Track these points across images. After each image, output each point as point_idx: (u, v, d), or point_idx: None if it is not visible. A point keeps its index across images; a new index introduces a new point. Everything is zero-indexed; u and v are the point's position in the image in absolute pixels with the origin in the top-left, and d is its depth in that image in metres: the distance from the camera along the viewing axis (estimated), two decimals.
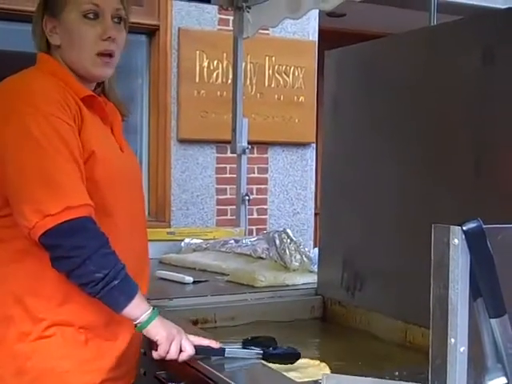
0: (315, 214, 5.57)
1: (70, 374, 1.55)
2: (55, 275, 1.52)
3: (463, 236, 1.03)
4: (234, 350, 1.64)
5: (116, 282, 1.48)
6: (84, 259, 1.45)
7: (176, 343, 1.56)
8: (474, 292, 1.05)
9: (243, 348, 1.65)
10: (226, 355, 1.62)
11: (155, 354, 1.57)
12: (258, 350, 1.63)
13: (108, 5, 1.64)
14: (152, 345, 1.60)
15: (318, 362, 1.72)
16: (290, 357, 1.66)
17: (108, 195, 1.59)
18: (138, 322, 1.53)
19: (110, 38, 1.63)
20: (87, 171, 1.54)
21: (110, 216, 1.60)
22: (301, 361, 1.70)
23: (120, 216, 1.62)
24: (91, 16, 1.62)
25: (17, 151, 1.49)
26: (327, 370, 1.68)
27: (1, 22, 4.67)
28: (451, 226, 1.04)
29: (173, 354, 1.56)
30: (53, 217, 1.43)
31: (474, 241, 1.03)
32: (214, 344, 1.63)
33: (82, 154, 1.53)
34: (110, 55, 1.65)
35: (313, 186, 5.63)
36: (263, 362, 1.63)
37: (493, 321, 1.06)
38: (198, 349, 1.59)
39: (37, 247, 1.50)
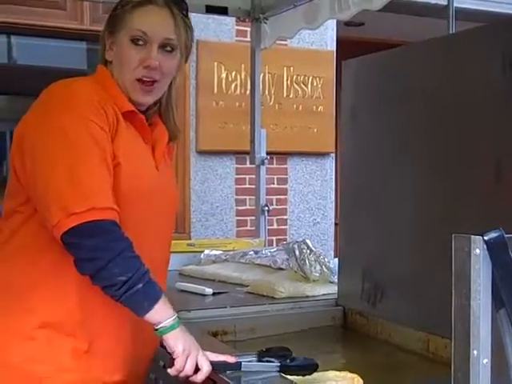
0: (335, 224, 5.55)
1: (49, 380, 1.56)
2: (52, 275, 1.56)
3: (484, 246, 1.01)
4: (250, 364, 1.62)
5: (140, 286, 1.47)
6: (107, 261, 1.45)
7: (192, 358, 1.54)
8: (497, 302, 1.04)
9: (259, 360, 1.63)
10: (242, 369, 1.60)
11: (172, 370, 1.55)
12: (275, 363, 1.62)
13: (157, 34, 1.66)
14: (169, 361, 1.59)
15: (355, 375, 1.67)
16: (308, 368, 1.64)
17: (132, 210, 1.59)
18: (160, 326, 1.51)
19: (149, 66, 1.65)
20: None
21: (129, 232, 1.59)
22: (336, 373, 1.67)
23: (139, 236, 1.59)
24: (138, 42, 1.65)
25: (48, 148, 1.50)
26: None
27: (31, 38, 4.74)
28: (472, 236, 1.02)
29: (188, 371, 1.54)
30: (77, 215, 1.43)
31: (496, 250, 1.01)
32: (230, 359, 1.61)
33: (112, 160, 1.55)
34: (153, 82, 1.67)
35: (332, 196, 5.61)
36: (282, 374, 1.61)
37: None
38: (214, 364, 1.58)
39: (29, 246, 1.56)
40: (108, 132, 1.55)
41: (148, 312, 1.50)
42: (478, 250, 1.02)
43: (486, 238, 1.01)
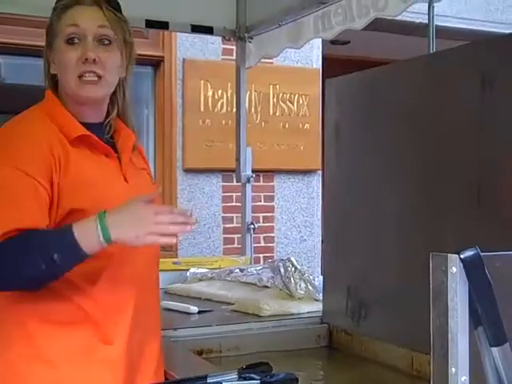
0: (322, 241, 5.56)
1: None
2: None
3: (461, 264, 1.02)
4: (230, 383, 1.62)
5: (56, 256, 1.45)
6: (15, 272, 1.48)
7: (146, 225, 1.47)
8: (475, 320, 1.04)
9: (239, 377, 1.63)
10: None
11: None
12: (256, 380, 1.61)
13: (89, 25, 1.64)
14: None
15: None
16: (288, 383, 1.64)
17: None
18: (101, 242, 1.47)
19: (87, 60, 1.62)
20: (78, 214, 1.54)
21: (104, 256, 1.57)
22: None
23: (116, 256, 1.59)
24: (74, 40, 1.63)
25: None
26: None
27: (15, 57, 4.76)
28: (449, 255, 1.03)
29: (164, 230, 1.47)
30: None
31: (472, 269, 1.02)
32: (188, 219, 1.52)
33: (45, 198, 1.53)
34: (98, 77, 1.64)
35: (319, 213, 5.62)
36: None
37: (494, 349, 1.05)
38: None
39: None
40: (46, 184, 1.54)
41: (85, 254, 1.47)
42: (454, 269, 1.02)
43: (462, 256, 1.02)
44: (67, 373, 1.57)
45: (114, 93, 1.73)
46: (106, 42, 1.66)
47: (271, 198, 5.46)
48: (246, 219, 3.82)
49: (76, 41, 1.64)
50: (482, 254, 1.02)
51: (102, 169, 1.66)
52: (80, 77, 1.63)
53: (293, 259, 2.70)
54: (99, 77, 1.64)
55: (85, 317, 1.58)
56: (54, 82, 1.70)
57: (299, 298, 2.60)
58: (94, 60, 1.63)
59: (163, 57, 5.05)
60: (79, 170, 1.59)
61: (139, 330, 1.65)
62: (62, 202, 1.55)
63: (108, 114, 1.73)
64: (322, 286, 2.51)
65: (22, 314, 1.58)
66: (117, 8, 1.71)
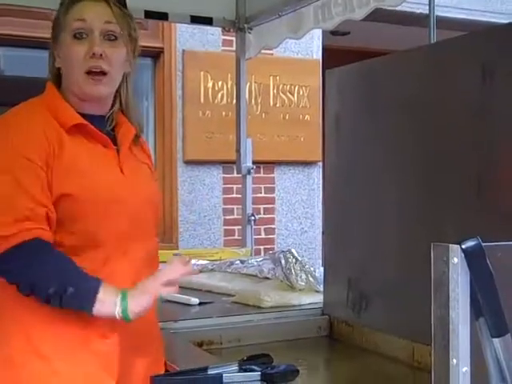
0: (323, 233, 5.55)
1: None
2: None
3: (462, 255, 1.02)
4: (231, 375, 1.62)
5: (71, 290, 1.50)
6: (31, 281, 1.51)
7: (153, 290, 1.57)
8: (476, 311, 1.04)
9: (240, 369, 1.63)
10: (224, 381, 1.60)
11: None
12: (256, 372, 1.62)
13: (96, 20, 1.66)
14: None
15: None
16: (289, 375, 1.64)
17: (96, 224, 1.59)
18: (118, 316, 1.53)
19: (94, 54, 1.64)
20: (69, 200, 1.57)
21: (100, 247, 1.59)
22: None
23: (112, 248, 1.61)
24: (81, 35, 1.65)
25: None
26: None
27: (18, 49, 4.75)
28: (450, 245, 1.03)
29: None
30: None
31: (474, 259, 1.02)
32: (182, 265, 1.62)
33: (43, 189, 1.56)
34: (102, 73, 1.65)
35: (320, 205, 5.62)
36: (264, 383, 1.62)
37: (495, 340, 1.05)
38: (196, 379, 1.58)
39: None
40: (43, 166, 1.57)
41: (93, 310, 1.52)
42: (455, 259, 1.02)
43: (463, 246, 1.02)
44: (63, 368, 1.57)
45: (118, 88, 1.74)
46: (112, 37, 1.68)
47: (272, 190, 5.46)
48: (247, 211, 3.82)
49: (84, 36, 1.65)
50: (483, 244, 1.02)
51: (98, 158, 1.67)
52: (88, 73, 1.65)
53: (293, 251, 2.69)
54: (105, 73, 1.66)
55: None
56: (57, 75, 1.72)
57: (300, 290, 2.60)
58: (101, 55, 1.64)
59: (163, 48, 5.03)
60: (73, 157, 1.61)
61: (134, 323, 1.64)
62: (54, 187, 1.57)
63: (111, 107, 1.75)
64: (322, 277, 2.50)
65: (18, 309, 1.58)
66: (123, 3, 1.73)
